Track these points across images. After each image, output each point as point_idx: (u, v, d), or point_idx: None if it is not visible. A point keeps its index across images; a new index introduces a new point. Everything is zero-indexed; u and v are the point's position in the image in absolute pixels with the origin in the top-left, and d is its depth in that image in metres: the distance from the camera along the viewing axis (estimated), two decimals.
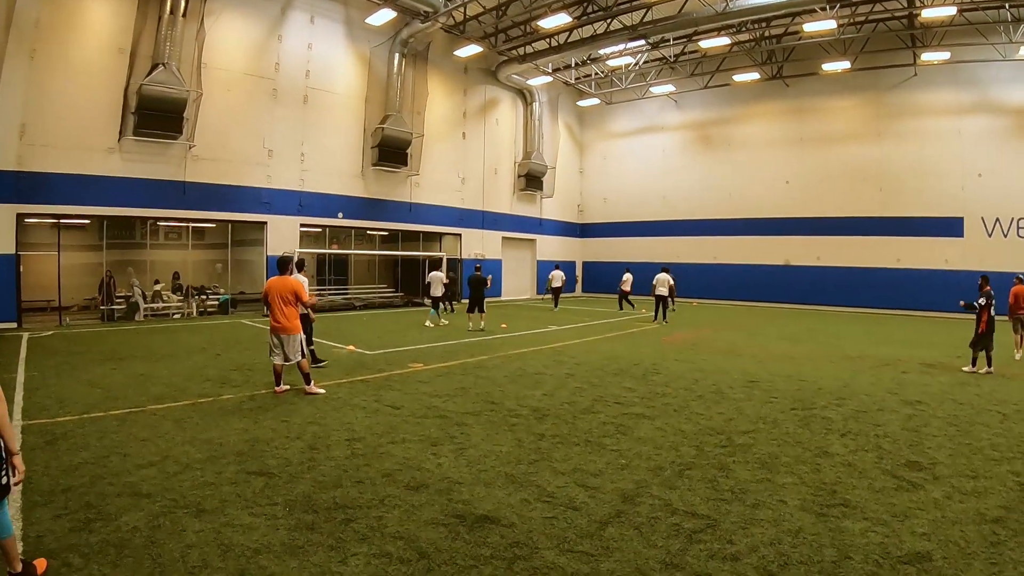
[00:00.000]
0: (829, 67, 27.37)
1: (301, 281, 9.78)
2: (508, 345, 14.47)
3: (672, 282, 21.89)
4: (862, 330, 19.96)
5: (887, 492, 5.34)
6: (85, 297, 20.61)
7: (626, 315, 23.26)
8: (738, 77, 29.95)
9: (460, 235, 29.52)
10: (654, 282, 21.30)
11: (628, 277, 25.53)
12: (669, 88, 32.42)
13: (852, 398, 9.19)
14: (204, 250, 24.29)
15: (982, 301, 11.81)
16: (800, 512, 4.88)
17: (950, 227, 26.12)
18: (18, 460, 3.61)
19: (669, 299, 21.82)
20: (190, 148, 19.25)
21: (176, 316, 20.10)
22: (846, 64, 26.87)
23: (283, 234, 21.83)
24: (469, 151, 29.71)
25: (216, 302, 21.58)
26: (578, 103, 36.74)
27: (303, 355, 8.95)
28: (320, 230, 25.27)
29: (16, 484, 3.65)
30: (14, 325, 15.91)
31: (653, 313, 21.64)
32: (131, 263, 20.76)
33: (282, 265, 9.15)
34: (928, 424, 7.69)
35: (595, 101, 35.68)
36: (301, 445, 6.44)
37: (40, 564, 3.94)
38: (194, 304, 20.91)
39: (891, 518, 4.77)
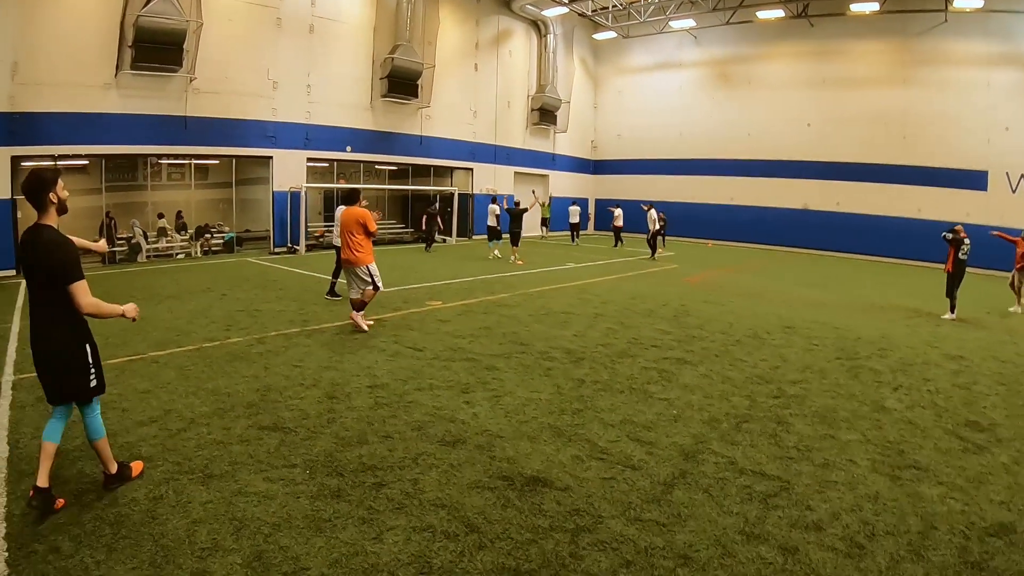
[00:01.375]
0: (857, 7, 25.99)
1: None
2: (527, 283, 13.85)
3: (660, 219, 22.22)
4: (885, 279, 19.44)
5: (954, 454, 5.01)
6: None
7: (636, 253, 22.57)
8: (762, 14, 28.38)
9: (472, 170, 28.53)
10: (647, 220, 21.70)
11: (619, 212, 24.73)
12: (689, 23, 30.79)
13: (893, 349, 8.76)
14: (208, 189, 23.22)
15: (948, 236, 12.15)
16: (873, 474, 4.53)
17: (973, 180, 25.28)
18: (127, 309, 3.91)
19: (660, 236, 22.31)
20: (191, 81, 18.22)
21: (180, 256, 19.37)
22: (875, 6, 25.50)
23: (289, 169, 20.97)
24: (481, 84, 28.48)
25: (221, 240, 20.89)
26: (594, 36, 35.07)
27: (373, 287, 8.71)
28: (327, 165, 24.39)
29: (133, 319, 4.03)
30: (12, 273, 15.27)
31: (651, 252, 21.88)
32: (132, 204, 20.09)
33: (349, 197, 9.08)
34: (977, 382, 7.32)
35: (611, 35, 34.02)
36: (318, 394, 5.85)
37: (136, 466, 4.08)
38: (198, 244, 20.26)
39: (966, 483, 4.45)
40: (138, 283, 13.41)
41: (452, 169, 28.15)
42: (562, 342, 8.24)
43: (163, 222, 20.04)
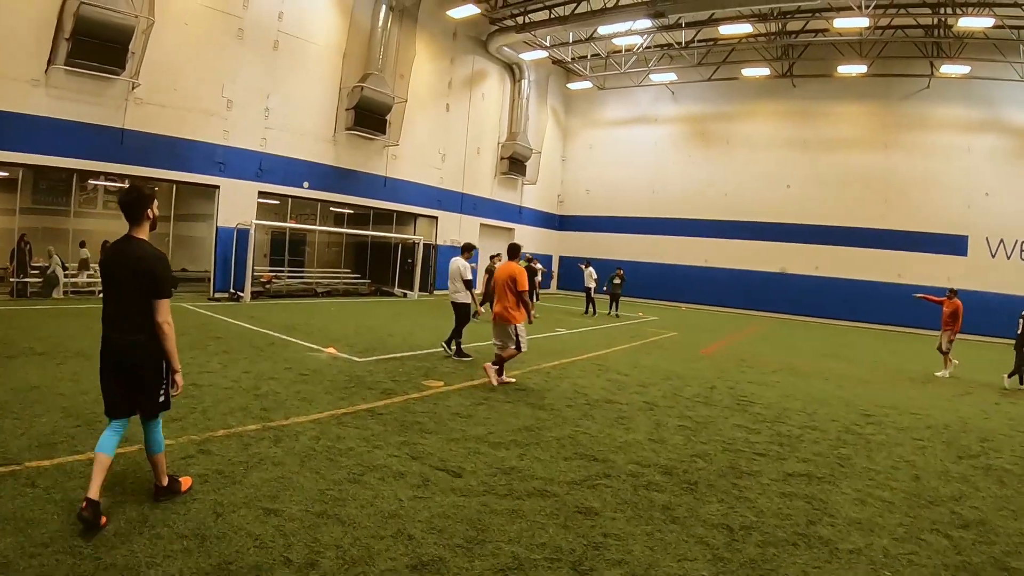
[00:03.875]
0: (845, 69, 26.13)
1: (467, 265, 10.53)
2: (531, 354, 11.40)
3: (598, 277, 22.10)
4: (883, 347, 18.62)
5: None
6: None
7: (628, 320, 20.45)
8: (748, 71, 28.06)
9: (437, 218, 26.24)
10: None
11: (590, 272, 22.12)
12: (670, 76, 29.90)
13: (993, 438, 7.64)
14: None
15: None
16: None
17: (954, 245, 25.49)
18: (179, 377, 3.91)
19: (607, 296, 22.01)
20: (133, 88, 15.52)
21: (102, 294, 16.31)
22: (863, 68, 25.66)
23: (238, 203, 18.16)
24: (452, 126, 26.43)
25: None
26: (568, 85, 33.82)
27: (516, 346, 8.41)
28: (279, 201, 21.67)
29: (174, 396, 3.96)
30: None
31: (587, 309, 21.54)
32: (53, 230, 16.98)
33: (512, 251, 9.15)
34: None
35: (587, 84, 32.81)
36: None
37: (186, 481, 4.13)
38: None
39: None
40: (46, 328, 10.40)
41: (416, 216, 25.78)
42: (644, 453, 5.85)
43: (85, 252, 16.90)
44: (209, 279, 18.21)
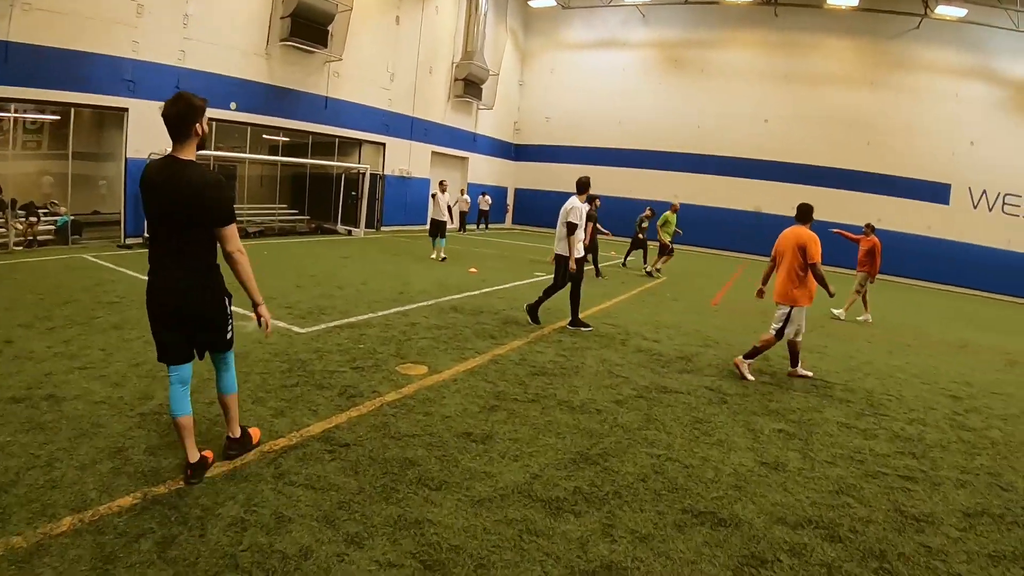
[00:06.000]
0: (835, 1, 24.19)
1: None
2: (517, 308, 9.17)
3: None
4: (892, 299, 17.33)
5: None
6: None
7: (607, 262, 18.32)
8: None
9: (384, 144, 23.25)
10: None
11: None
12: None
13: None
14: (37, 156, 16.51)
15: None
16: None
17: (936, 193, 24.61)
18: (263, 311, 3.59)
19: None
20: None
21: None
22: (854, 1, 23.61)
23: (150, 129, 14.75)
24: (402, 41, 23.17)
25: (52, 227, 14.46)
26: (529, 3, 30.61)
27: (777, 334, 6.69)
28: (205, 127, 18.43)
29: (267, 335, 4.05)
30: None
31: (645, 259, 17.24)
32: None
33: (804, 213, 6.91)
34: None
35: (550, 2, 29.74)
36: None
37: (255, 433, 3.94)
38: (15, 228, 13.52)
39: None
40: None
41: (361, 143, 22.82)
42: (774, 495, 3.84)
43: None
44: (121, 222, 15.18)
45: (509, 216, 32.97)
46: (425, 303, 9.16)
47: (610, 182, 28.45)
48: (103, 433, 4.00)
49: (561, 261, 8.09)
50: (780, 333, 6.68)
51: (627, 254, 18.07)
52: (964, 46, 23.70)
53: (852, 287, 12.11)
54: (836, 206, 24.93)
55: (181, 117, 3.21)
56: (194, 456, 3.44)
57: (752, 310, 11.40)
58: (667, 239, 15.84)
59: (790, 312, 6.64)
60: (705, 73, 27.88)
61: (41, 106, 14.71)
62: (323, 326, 7.28)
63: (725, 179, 27.42)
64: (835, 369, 7.57)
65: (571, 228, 7.86)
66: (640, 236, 16.80)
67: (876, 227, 12.59)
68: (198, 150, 3.36)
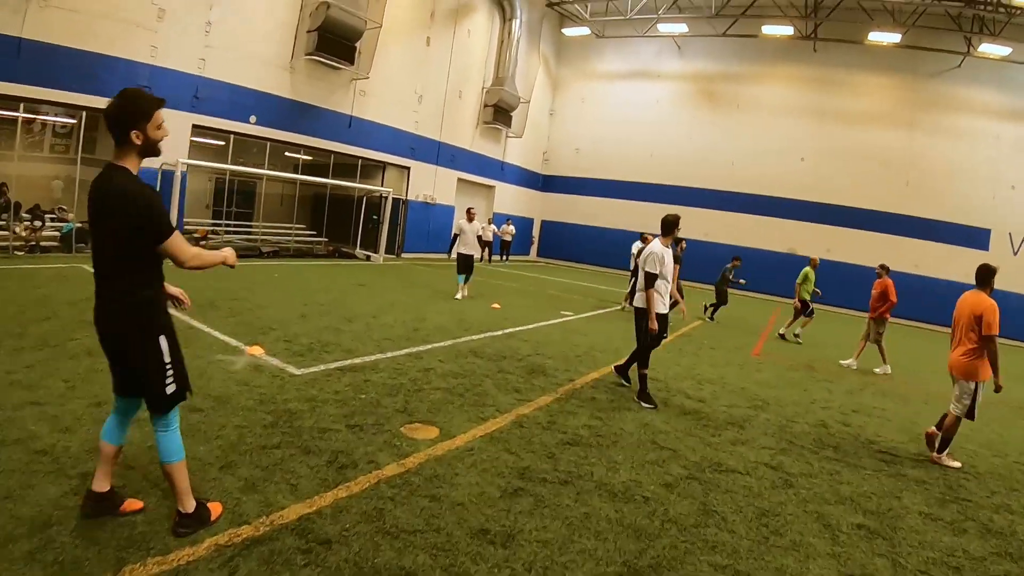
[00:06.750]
0: (876, 37, 23.36)
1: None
2: (543, 354, 8.25)
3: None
4: (922, 347, 16.56)
5: None
6: None
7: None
8: (768, 29, 24.86)
9: (408, 168, 22.64)
10: None
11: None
12: (681, 28, 26.57)
13: None
14: (45, 159, 15.89)
15: None
16: None
17: (974, 238, 23.46)
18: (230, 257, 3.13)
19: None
20: None
21: None
22: (896, 37, 22.99)
23: (166, 137, 14.34)
24: (432, 63, 22.66)
25: (58, 233, 13.73)
26: (563, 31, 30.14)
27: (968, 413, 5.79)
28: (222, 142, 17.81)
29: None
30: None
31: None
32: None
33: (982, 276, 6.29)
34: None
35: (584, 31, 29.18)
36: None
37: (215, 508, 3.25)
38: (17, 231, 12.74)
39: None
40: None
41: (385, 165, 22.18)
42: None
43: None
44: None
45: (534, 248, 32.19)
46: (441, 344, 8.24)
47: (638, 216, 27.67)
48: (31, 499, 3.16)
49: (641, 315, 6.85)
50: (971, 413, 5.85)
51: (715, 309, 15.72)
52: (1005, 86, 22.94)
53: (862, 333, 11.31)
54: (871, 249, 24.12)
55: (113, 119, 2.78)
56: (100, 486, 3.02)
57: (797, 364, 10.44)
58: (807, 297, 13.93)
59: (976, 387, 5.81)
60: (740, 108, 27.13)
61: (53, 107, 14.16)
62: (322, 367, 6.39)
63: (757, 218, 26.55)
64: (902, 440, 6.55)
65: (649, 279, 6.54)
66: (724, 288, 15.35)
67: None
68: (144, 157, 2.91)
